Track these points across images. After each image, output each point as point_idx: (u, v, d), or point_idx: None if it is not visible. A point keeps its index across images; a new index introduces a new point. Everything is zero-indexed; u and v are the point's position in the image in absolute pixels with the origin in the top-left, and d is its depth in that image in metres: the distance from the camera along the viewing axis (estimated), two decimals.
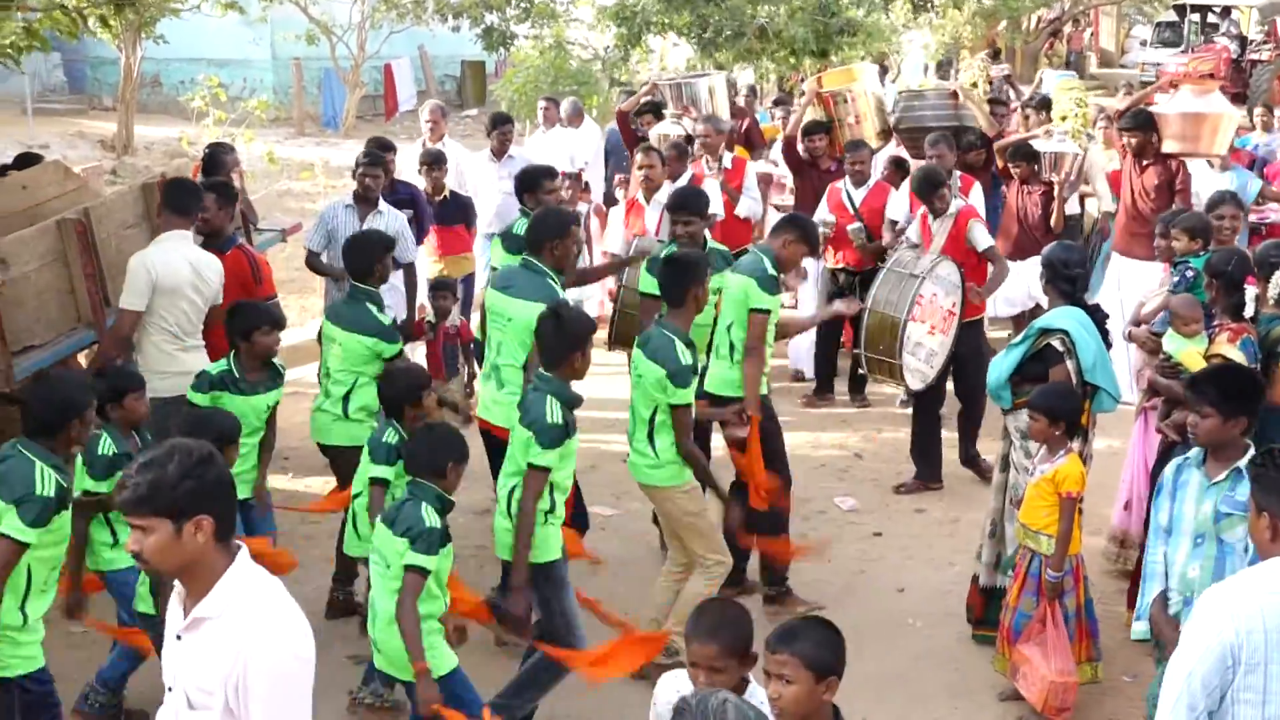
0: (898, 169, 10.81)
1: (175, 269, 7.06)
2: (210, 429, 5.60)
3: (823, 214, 9.97)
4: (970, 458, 8.96)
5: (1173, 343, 6.48)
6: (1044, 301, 7.44)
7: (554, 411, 5.47)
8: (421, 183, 10.50)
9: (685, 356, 6.06)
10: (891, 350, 8.05)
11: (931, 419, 8.84)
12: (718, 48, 18.78)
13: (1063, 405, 6.06)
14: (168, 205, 7.33)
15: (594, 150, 13.61)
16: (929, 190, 8.70)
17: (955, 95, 11.63)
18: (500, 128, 11.82)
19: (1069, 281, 6.70)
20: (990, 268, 8.71)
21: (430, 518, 5.14)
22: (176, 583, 3.36)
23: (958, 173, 9.66)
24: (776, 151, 12.53)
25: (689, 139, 10.82)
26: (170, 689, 3.33)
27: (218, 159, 9.43)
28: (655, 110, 12.09)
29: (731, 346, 6.89)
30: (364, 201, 8.84)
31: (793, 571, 7.16)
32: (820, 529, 7.58)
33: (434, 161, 10.44)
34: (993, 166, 10.92)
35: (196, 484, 3.14)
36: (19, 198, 8.01)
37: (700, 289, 6.30)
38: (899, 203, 9.83)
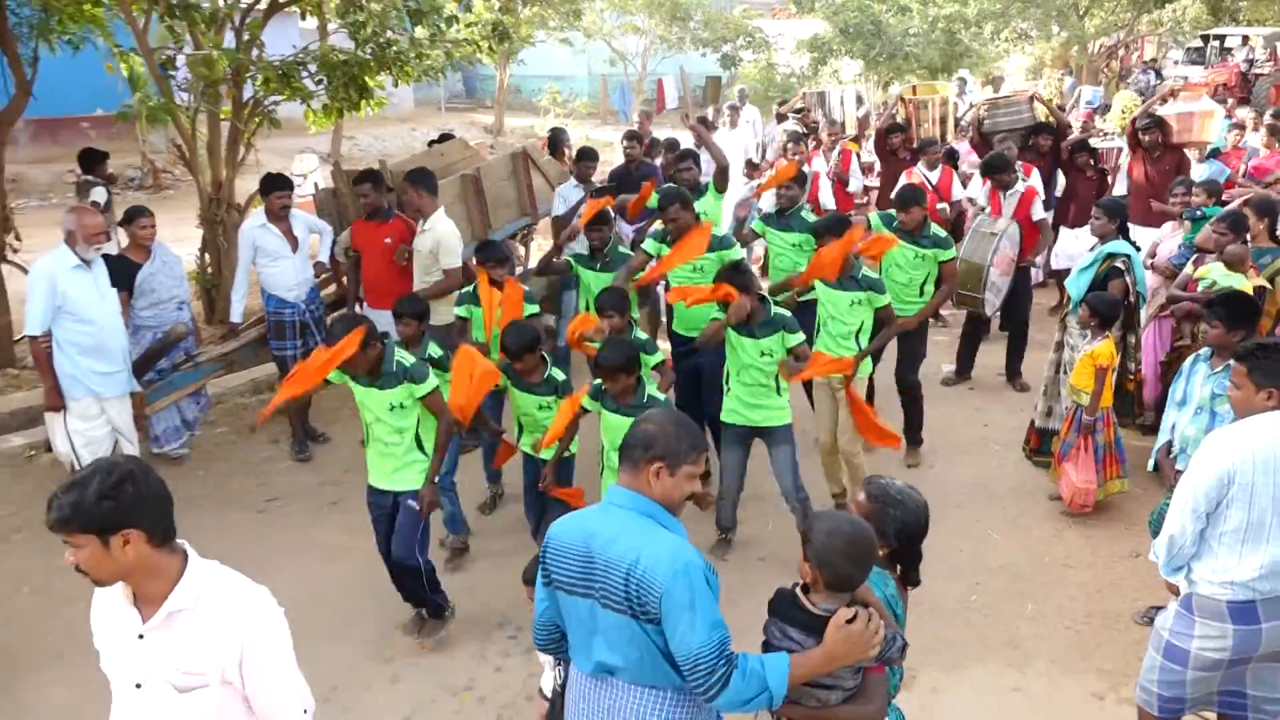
0: (949, 157, 9.79)
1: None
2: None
3: None
4: (1014, 372, 8.02)
5: (1227, 279, 5.83)
6: None
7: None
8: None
9: None
10: (977, 288, 7.43)
11: (976, 338, 8.04)
12: (879, 65, 18.05)
13: (1105, 307, 5.83)
14: (430, 190, 6.40)
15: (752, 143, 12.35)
16: (993, 170, 7.88)
17: (1032, 99, 10.25)
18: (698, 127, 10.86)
19: (1126, 221, 6.44)
20: (1039, 236, 7.95)
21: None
22: (106, 592, 2.46)
23: (1019, 162, 8.50)
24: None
25: (804, 135, 10.07)
26: (139, 685, 2.41)
27: (557, 138, 9.54)
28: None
29: None
30: (584, 181, 8.05)
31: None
32: (933, 385, 7.35)
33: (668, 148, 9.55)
34: (1056, 155, 9.49)
35: (114, 504, 2.28)
36: (439, 161, 8.25)
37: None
38: (959, 185, 9.10)
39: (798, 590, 2.58)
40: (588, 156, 8.25)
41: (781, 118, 12.31)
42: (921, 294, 6.47)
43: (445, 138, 9.58)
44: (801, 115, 11.56)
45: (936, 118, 10.37)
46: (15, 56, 7.46)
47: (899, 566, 2.86)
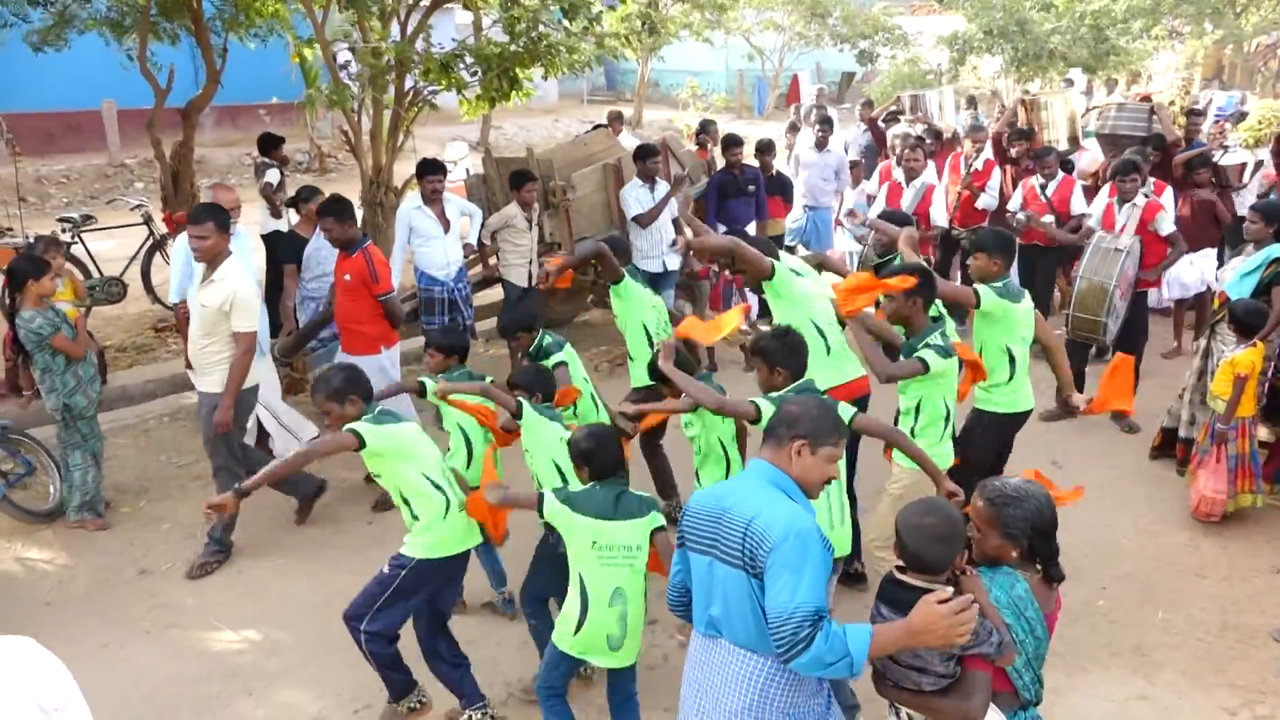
0: (1063, 166, 8.36)
1: None
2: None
3: (1016, 205, 7.89)
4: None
5: None
6: (1214, 285, 6.39)
7: None
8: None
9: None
10: (1098, 311, 6.44)
11: (1079, 366, 6.78)
12: (1023, 63, 17.24)
13: (1241, 314, 5.57)
14: (222, 228, 5.09)
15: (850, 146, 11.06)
16: (1121, 175, 7.02)
17: (1152, 110, 8.99)
18: (822, 127, 9.82)
19: None
20: (1169, 250, 7.01)
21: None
22: None
23: (1152, 178, 7.47)
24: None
25: (922, 139, 9.01)
26: None
27: (704, 129, 9.64)
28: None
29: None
30: (648, 179, 7.65)
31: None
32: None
33: (765, 149, 8.97)
34: (1167, 171, 8.06)
35: None
36: (582, 151, 8.37)
37: None
38: (1080, 197, 7.83)
39: (895, 569, 2.58)
40: (648, 155, 7.68)
41: (872, 122, 11.17)
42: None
43: (599, 128, 9.70)
44: (913, 120, 10.52)
45: (1060, 121, 9.18)
46: (208, 48, 7.90)
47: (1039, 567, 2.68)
